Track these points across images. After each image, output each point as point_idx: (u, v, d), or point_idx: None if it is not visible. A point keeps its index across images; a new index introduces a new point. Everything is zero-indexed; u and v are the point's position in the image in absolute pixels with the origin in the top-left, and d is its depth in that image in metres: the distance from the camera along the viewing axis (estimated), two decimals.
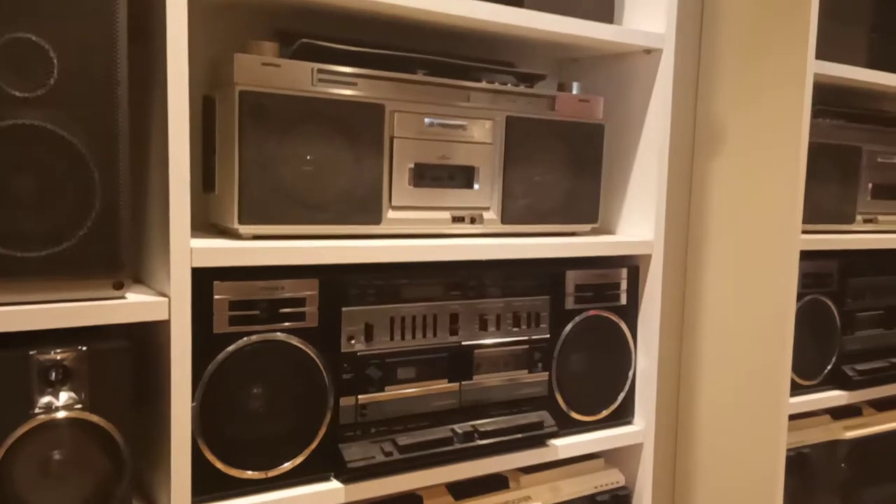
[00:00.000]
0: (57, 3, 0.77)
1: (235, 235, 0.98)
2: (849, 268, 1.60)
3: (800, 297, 1.50)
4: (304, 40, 1.01)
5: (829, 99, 1.71)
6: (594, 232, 1.31)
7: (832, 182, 1.59)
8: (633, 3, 1.29)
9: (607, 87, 1.34)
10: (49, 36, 0.77)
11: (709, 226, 1.58)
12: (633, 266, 1.29)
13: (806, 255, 1.49)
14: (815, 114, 1.55)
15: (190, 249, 0.86)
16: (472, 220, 1.16)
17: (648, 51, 1.26)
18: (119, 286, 0.83)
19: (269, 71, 0.96)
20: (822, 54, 1.44)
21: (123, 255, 0.83)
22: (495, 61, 1.28)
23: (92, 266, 0.81)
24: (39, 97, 0.78)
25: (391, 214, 1.07)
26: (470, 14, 1.06)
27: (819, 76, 1.44)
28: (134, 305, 0.83)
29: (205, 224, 1.06)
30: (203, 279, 0.90)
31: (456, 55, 1.25)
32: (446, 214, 1.13)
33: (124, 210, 0.82)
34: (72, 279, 0.81)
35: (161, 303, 0.85)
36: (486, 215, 1.17)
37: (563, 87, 1.26)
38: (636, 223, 1.31)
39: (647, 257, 1.28)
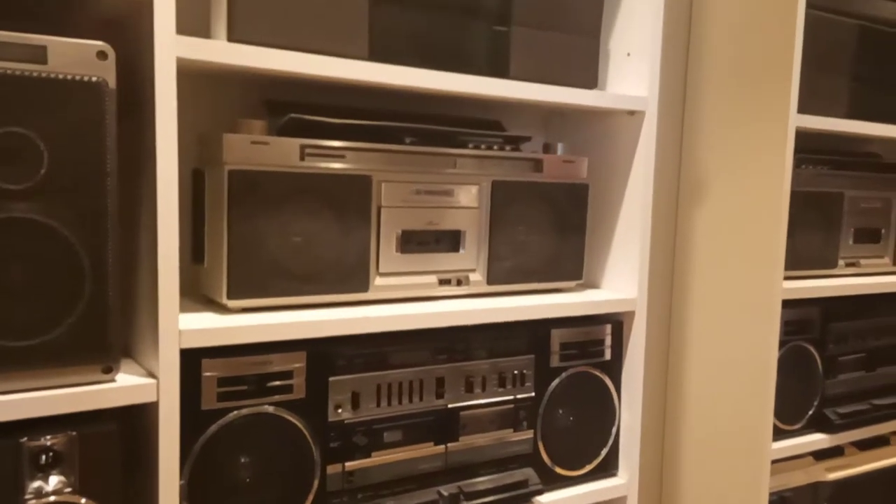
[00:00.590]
0: (46, 97, 0.79)
1: (224, 309, 1.00)
2: (830, 314, 1.63)
3: (782, 344, 1.53)
4: (293, 115, 1.02)
5: (813, 144, 1.74)
6: (579, 288, 1.33)
7: (815, 228, 1.62)
8: (616, 66, 1.31)
9: (593, 143, 1.36)
10: (38, 129, 0.79)
11: (693, 276, 1.61)
12: (618, 321, 1.31)
13: (788, 303, 1.51)
14: (798, 162, 1.58)
15: (178, 332, 0.88)
16: (459, 282, 1.17)
17: (632, 112, 1.28)
18: (108, 370, 0.85)
19: (257, 149, 0.97)
20: (804, 105, 1.47)
21: (112, 340, 0.84)
22: (482, 121, 1.30)
23: (81, 352, 0.83)
24: (29, 189, 0.79)
25: (378, 281, 1.09)
26: (456, 88, 1.08)
27: (801, 129, 1.47)
28: (122, 390, 0.85)
29: (194, 293, 1.07)
30: (192, 357, 0.91)
31: (443, 116, 1.27)
32: (433, 278, 1.15)
33: (113, 296, 0.84)
34: (61, 366, 0.82)
35: (149, 385, 0.86)
36: (473, 277, 1.18)
37: (549, 147, 1.28)
38: (620, 278, 1.33)
39: (631, 314, 1.31)
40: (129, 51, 0.90)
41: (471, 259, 1.18)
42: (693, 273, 1.60)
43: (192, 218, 1.06)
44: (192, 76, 1.09)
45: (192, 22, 1.05)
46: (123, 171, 0.87)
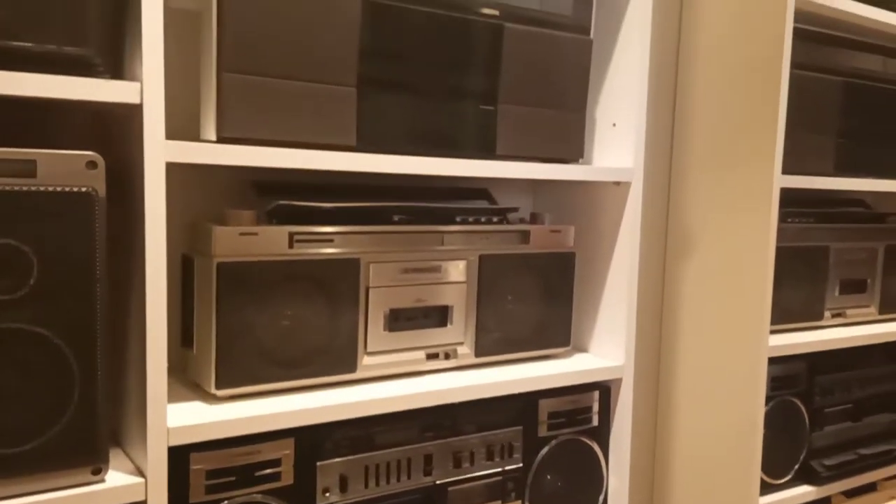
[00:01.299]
0: (36, 209, 0.80)
1: (212, 397, 1.01)
2: (817, 367, 1.65)
3: (769, 399, 1.54)
4: (281, 202, 1.04)
5: (801, 195, 1.76)
6: (567, 353, 1.35)
7: (801, 282, 1.63)
8: (602, 135, 1.33)
9: (580, 210, 1.38)
10: (28, 240, 0.80)
11: (681, 337, 1.62)
12: (605, 388, 1.32)
13: (774, 360, 1.53)
14: (784, 216, 1.60)
15: (167, 429, 0.89)
16: (447, 356, 1.19)
17: (618, 183, 1.30)
18: (97, 471, 0.86)
19: (246, 240, 0.98)
20: (790, 163, 1.49)
21: (101, 443, 0.85)
22: (471, 191, 1.32)
23: (71, 456, 0.84)
24: (19, 298, 0.80)
25: (366, 361, 1.10)
26: (444, 172, 1.09)
27: (786, 187, 1.49)
28: (111, 491, 0.86)
29: (183, 377, 1.08)
30: (180, 452, 0.92)
31: (432, 189, 1.29)
32: (420, 353, 1.16)
33: (102, 400, 0.85)
34: (52, 470, 0.83)
35: (138, 485, 0.87)
36: (461, 350, 1.20)
37: (536, 217, 1.30)
38: (608, 343, 1.35)
39: (618, 380, 1.32)
40: (118, 150, 0.92)
41: (458, 332, 1.19)
42: (680, 333, 1.62)
43: (182, 301, 1.07)
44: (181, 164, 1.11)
45: (182, 115, 1.07)
46: (112, 259, 0.87)
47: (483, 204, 1.33)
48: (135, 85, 0.83)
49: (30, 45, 0.78)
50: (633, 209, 1.29)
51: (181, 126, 1.08)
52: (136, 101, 0.83)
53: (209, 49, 0.94)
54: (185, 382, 1.08)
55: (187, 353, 1.06)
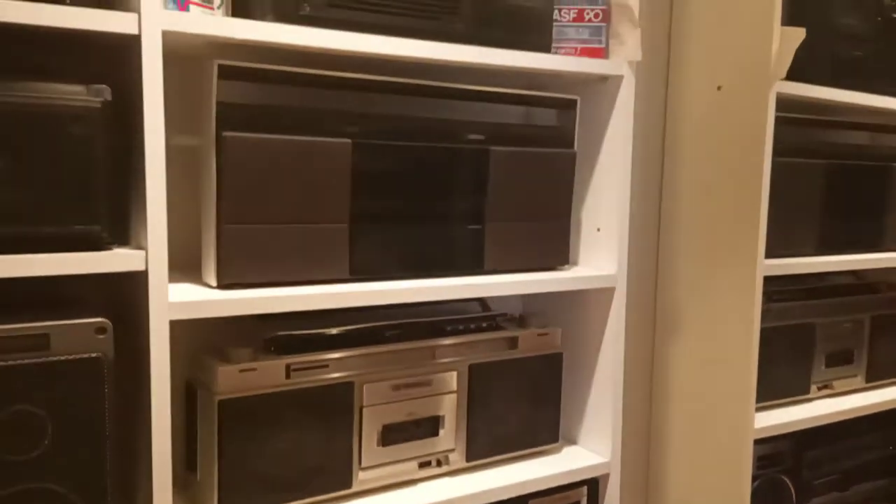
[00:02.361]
0: (49, 377, 0.86)
1: None
2: (803, 443, 1.69)
3: (756, 477, 1.59)
4: (279, 334, 1.10)
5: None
6: (555, 449, 1.40)
7: (787, 360, 1.68)
8: (588, 238, 1.38)
9: (567, 310, 1.43)
10: (42, 405, 0.86)
11: (669, 424, 1.67)
12: (593, 482, 1.38)
13: (761, 440, 1.58)
14: (770, 295, 1.64)
15: None
16: (439, 463, 1.24)
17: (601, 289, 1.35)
18: None
19: (246, 375, 1.04)
20: (773, 244, 1.53)
21: None
22: (464, 301, 1.37)
23: None
24: (35, 458, 0.86)
25: (361, 476, 1.16)
26: (433, 297, 1.14)
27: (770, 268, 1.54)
28: None
29: (185, 496, 1.14)
30: None
31: (425, 303, 1.33)
32: (413, 464, 1.21)
33: None
34: None
35: None
36: (452, 456, 1.25)
37: (524, 321, 1.35)
38: (596, 437, 1.40)
39: (606, 475, 1.37)
40: (124, 304, 0.98)
41: (450, 439, 1.24)
42: (670, 417, 1.67)
43: (185, 425, 1.13)
44: None
45: (185, 257, 1.13)
46: (119, 385, 0.93)
47: (476, 308, 1.38)
48: (140, 253, 0.90)
49: (42, 228, 0.84)
50: (617, 312, 1.34)
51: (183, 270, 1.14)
52: (142, 268, 0.90)
53: (209, 201, 1.01)
54: (189, 502, 1.14)
55: (192, 478, 1.12)
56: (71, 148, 0.84)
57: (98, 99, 0.85)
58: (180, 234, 1.14)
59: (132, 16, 0.85)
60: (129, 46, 0.89)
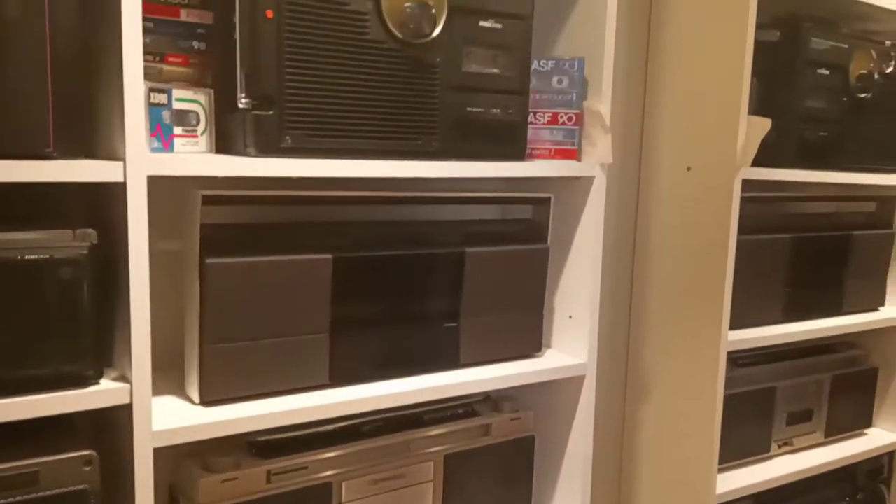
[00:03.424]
0: None
1: None
2: (765, 501, 1.77)
3: None
4: (259, 439, 1.14)
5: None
6: None
7: (750, 423, 1.75)
8: (560, 325, 1.43)
9: (540, 395, 1.47)
10: None
11: (639, 486, 1.74)
12: None
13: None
14: (735, 361, 1.71)
15: None
16: None
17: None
18: None
19: (227, 485, 1.08)
20: (738, 315, 1.59)
21: None
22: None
23: None
24: None
25: None
26: (413, 400, 1.19)
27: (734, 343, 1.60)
28: None
29: None
30: None
31: None
32: None
33: None
34: None
35: None
36: None
37: (498, 405, 1.40)
38: None
39: None
40: (108, 420, 1.01)
41: None
42: (638, 487, 1.74)
43: None
44: None
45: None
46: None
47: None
48: (125, 387, 0.93)
49: (28, 371, 0.87)
50: (587, 397, 1.39)
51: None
52: (126, 401, 0.93)
53: (192, 319, 1.04)
54: None
55: None
56: (58, 292, 0.87)
57: (85, 244, 0.88)
58: (161, 329, 1.16)
59: (118, 164, 0.88)
60: (113, 190, 0.92)
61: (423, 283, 1.22)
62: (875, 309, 1.98)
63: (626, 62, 1.65)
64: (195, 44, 1.06)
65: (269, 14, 0.96)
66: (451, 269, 1.24)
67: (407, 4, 1.06)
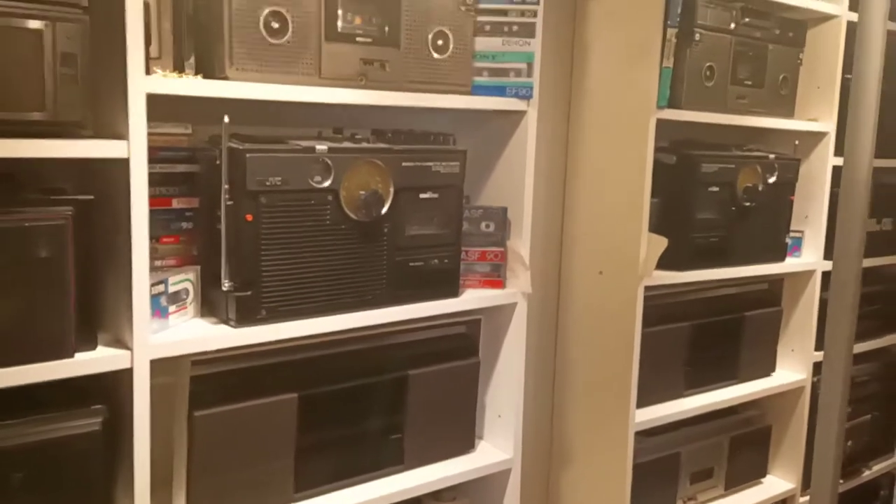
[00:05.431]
0: None
1: None
2: None
3: None
4: None
5: None
6: None
7: (657, 484, 2.03)
8: (491, 422, 1.69)
9: (472, 481, 1.71)
10: None
11: None
12: None
13: None
14: (643, 433, 1.99)
15: None
16: None
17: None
18: None
19: None
20: (645, 391, 1.87)
21: None
22: None
23: None
24: None
25: None
26: None
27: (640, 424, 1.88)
28: None
29: None
30: None
31: None
32: None
33: None
34: None
35: None
36: None
37: (438, 494, 1.64)
38: None
39: None
40: None
41: None
42: None
43: None
44: None
45: None
46: None
47: None
48: None
49: None
50: (513, 488, 1.65)
51: None
52: None
53: (181, 459, 1.25)
54: None
55: None
56: (76, 469, 1.07)
57: (97, 419, 1.09)
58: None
59: (125, 353, 1.09)
60: (121, 374, 1.12)
61: (372, 405, 1.45)
62: (768, 375, 2.30)
63: (546, 183, 1.91)
64: (184, 224, 1.28)
65: (249, 217, 1.18)
66: (396, 390, 1.48)
67: (361, 193, 1.29)
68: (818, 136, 2.17)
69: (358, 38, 1.29)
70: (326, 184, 1.26)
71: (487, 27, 1.49)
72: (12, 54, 0.97)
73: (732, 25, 1.94)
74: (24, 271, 1.00)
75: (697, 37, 1.86)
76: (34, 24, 0.97)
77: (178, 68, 1.17)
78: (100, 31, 1.05)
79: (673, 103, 1.82)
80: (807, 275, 2.23)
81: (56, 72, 0.99)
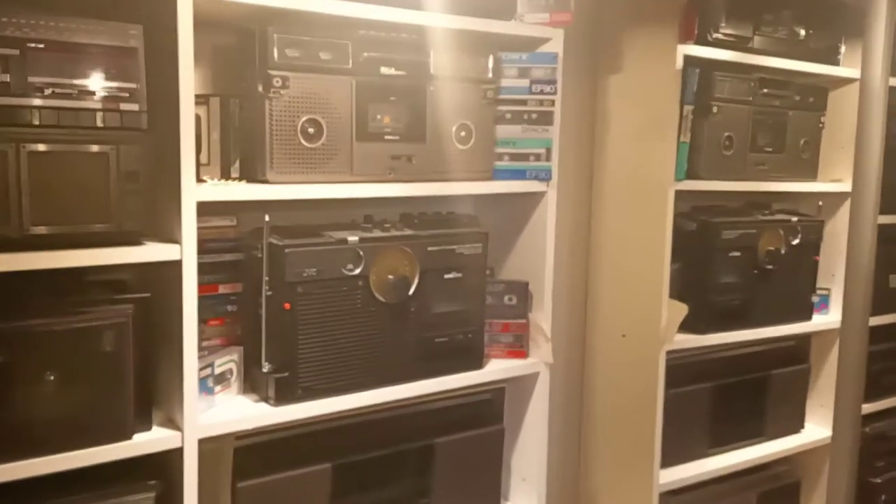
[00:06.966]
0: None
1: None
2: None
3: None
4: None
5: None
6: None
7: None
8: (517, 488, 1.76)
9: None
10: None
11: None
12: None
13: None
14: (669, 493, 2.03)
15: None
16: None
17: None
18: None
19: None
20: (670, 451, 1.92)
21: None
22: None
23: None
24: None
25: None
26: None
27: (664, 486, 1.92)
28: None
29: None
30: None
31: None
32: None
33: None
34: None
35: None
36: None
37: None
38: None
39: None
40: None
41: None
42: None
43: None
44: None
45: None
46: None
47: None
48: None
49: None
50: None
51: None
52: None
53: None
54: None
55: None
56: None
57: (151, 494, 1.20)
58: None
59: (177, 434, 1.21)
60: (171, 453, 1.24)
61: (401, 471, 1.55)
62: (797, 431, 2.31)
63: (570, 250, 2.00)
64: (229, 307, 1.40)
65: (287, 306, 1.30)
66: (424, 457, 1.57)
67: (389, 277, 1.40)
68: (843, 196, 2.20)
69: (386, 136, 1.41)
70: (357, 271, 1.38)
71: (508, 115, 1.59)
72: (82, 175, 1.11)
73: (750, 98, 2.00)
74: (90, 364, 1.13)
75: (715, 109, 1.93)
76: (101, 148, 1.11)
77: (225, 172, 1.30)
78: (158, 146, 1.19)
79: (692, 174, 1.89)
80: (834, 332, 2.25)
81: (120, 188, 1.12)
